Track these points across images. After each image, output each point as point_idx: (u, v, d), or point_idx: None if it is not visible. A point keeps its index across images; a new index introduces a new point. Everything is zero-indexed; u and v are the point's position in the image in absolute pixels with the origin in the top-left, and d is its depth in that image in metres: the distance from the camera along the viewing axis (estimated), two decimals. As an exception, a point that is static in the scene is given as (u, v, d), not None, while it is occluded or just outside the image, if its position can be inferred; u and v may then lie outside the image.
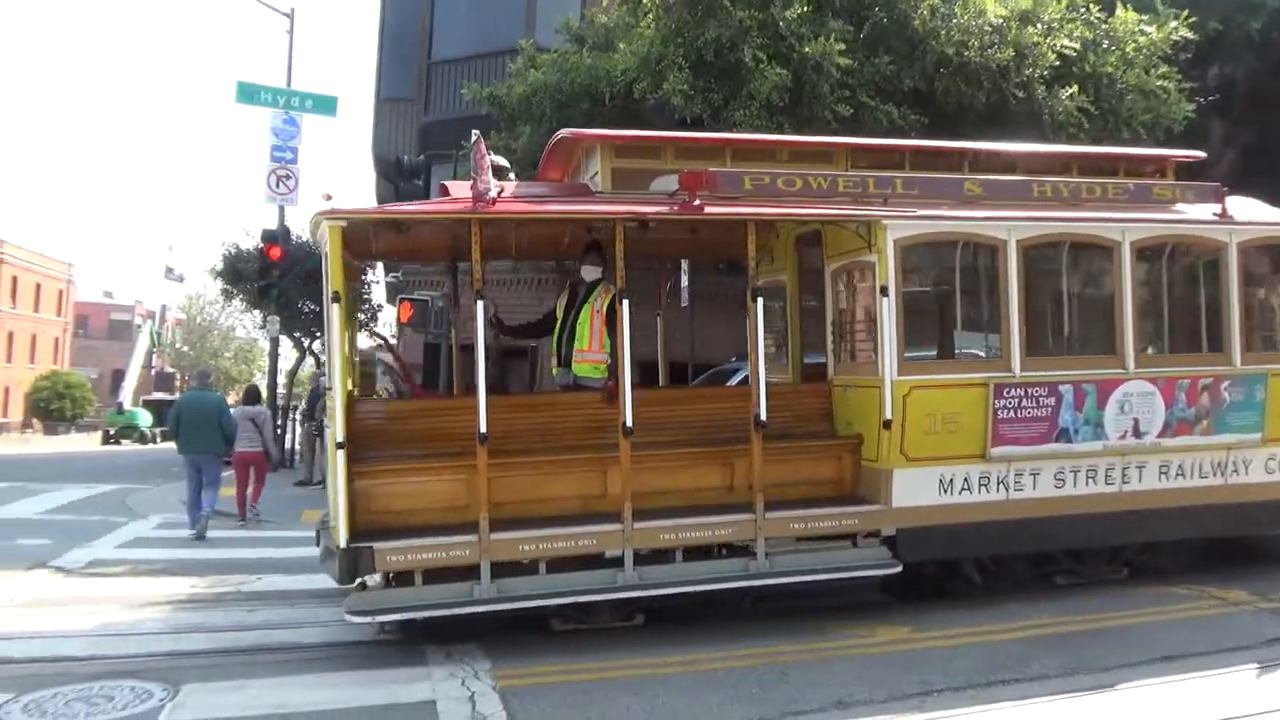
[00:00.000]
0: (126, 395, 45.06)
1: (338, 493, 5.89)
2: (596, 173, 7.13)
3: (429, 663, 5.96)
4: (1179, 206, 7.62)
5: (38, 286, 58.94)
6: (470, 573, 6.15)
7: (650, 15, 11.88)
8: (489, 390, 6.15)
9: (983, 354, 7.37)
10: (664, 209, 6.49)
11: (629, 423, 6.29)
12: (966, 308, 7.42)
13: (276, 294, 20.29)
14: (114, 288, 78.88)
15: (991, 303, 7.10)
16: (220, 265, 21.89)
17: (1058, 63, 11.43)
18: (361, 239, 7.48)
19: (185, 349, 64.62)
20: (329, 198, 5.97)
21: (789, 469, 6.98)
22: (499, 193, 6.18)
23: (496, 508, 6.40)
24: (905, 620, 6.87)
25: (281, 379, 24.00)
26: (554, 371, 7.71)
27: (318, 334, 26.88)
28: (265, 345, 32.98)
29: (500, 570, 6.22)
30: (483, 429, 6.05)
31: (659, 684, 5.59)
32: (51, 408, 52.77)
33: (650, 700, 5.34)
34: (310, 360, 23.26)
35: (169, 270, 50.41)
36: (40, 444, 42.68)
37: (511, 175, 7.39)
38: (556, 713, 5.20)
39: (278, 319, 20.82)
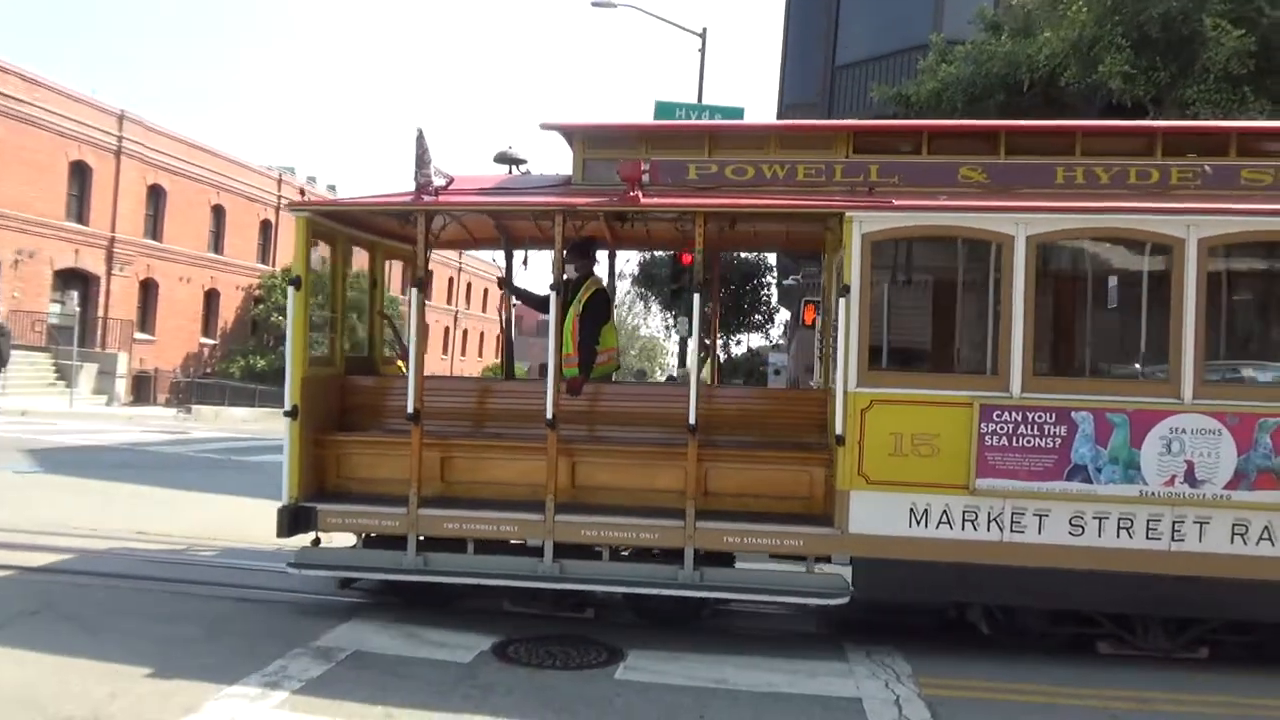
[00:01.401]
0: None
1: (287, 456, 6.56)
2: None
3: (849, 660, 6.11)
4: (1296, 195, 5.90)
5: (485, 291, 68.73)
6: (459, 545, 6.42)
7: None
8: None
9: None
10: (604, 200, 6.34)
11: (550, 414, 6.29)
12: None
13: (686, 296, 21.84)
14: (539, 289, 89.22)
15: (994, 310, 6.02)
16: (636, 271, 24.49)
17: None
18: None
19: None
20: (302, 192, 6.62)
21: (749, 479, 6.55)
22: (447, 184, 6.46)
23: (447, 486, 6.76)
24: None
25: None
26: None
27: (719, 335, 29.25)
28: (666, 344, 37.24)
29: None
30: (410, 409, 6.39)
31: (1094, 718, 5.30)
32: (493, 395, 62.70)
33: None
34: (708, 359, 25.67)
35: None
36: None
37: (525, 167, 7.57)
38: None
39: (686, 319, 22.58)
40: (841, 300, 5.96)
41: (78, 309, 30.20)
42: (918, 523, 6.01)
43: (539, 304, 7.46)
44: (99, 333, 33.14)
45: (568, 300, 7.33)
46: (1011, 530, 5.94)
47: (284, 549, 7.23)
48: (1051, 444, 5.83)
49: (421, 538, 6.42)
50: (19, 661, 5.28)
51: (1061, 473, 5.84)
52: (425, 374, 8.56)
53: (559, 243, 6.36)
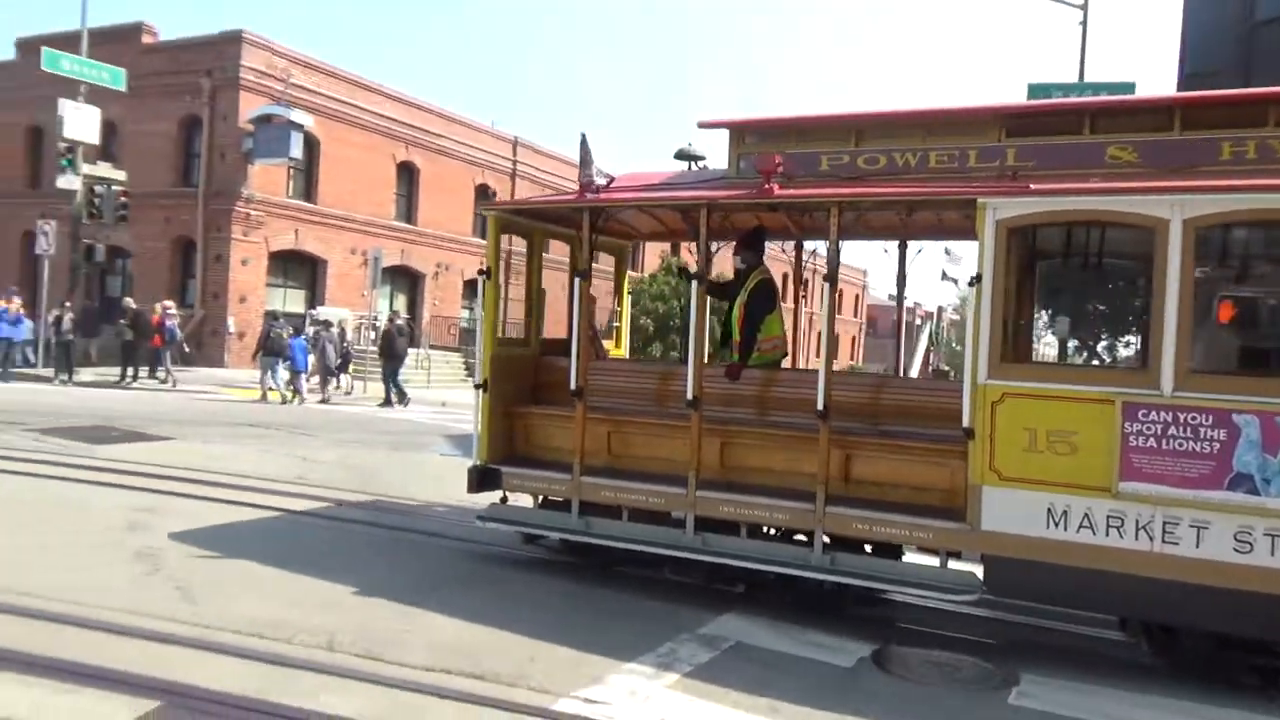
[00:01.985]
0: None
1: (477, 423, 7.55)
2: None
3: None
4: None
5: (840, 293, 70.45)
6: (620, 513, 7.04)
7: None
8: None
9: None
10: (743, 194, 6.59)
11: (690, 395, 6.70)
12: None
13: None
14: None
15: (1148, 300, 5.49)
16: None
17: None
18: (620, 225, 8.76)
19: (958, 348, 66.88)
20: (494, 194, 7.54)
21: (888, 468, 6.52)
22: (608, 183, 7.07)
23: (614, 458, 7.42)
24: None
25: None
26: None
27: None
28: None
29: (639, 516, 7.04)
30: (573, 386, 7.10)
31: None
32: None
33: None
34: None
35: (944, 274, 52.67)
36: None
37: (704, 163, 7.98)
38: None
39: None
40: (972, 289, 5.77)
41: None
42: (1056, 524, 5.69)
43: (716, 293, 7.87)
44: (498, 335, 38.52)
45: (735, 290, 7.67)
46: (1164, 541, 5.44)
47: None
48: (1209, 449, 5.26)
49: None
50: (453, 620, 6.00)
51: (1222, 481, 5.26)
52: (625, 358, 9.38)
53: (703, 233, 6.73)
